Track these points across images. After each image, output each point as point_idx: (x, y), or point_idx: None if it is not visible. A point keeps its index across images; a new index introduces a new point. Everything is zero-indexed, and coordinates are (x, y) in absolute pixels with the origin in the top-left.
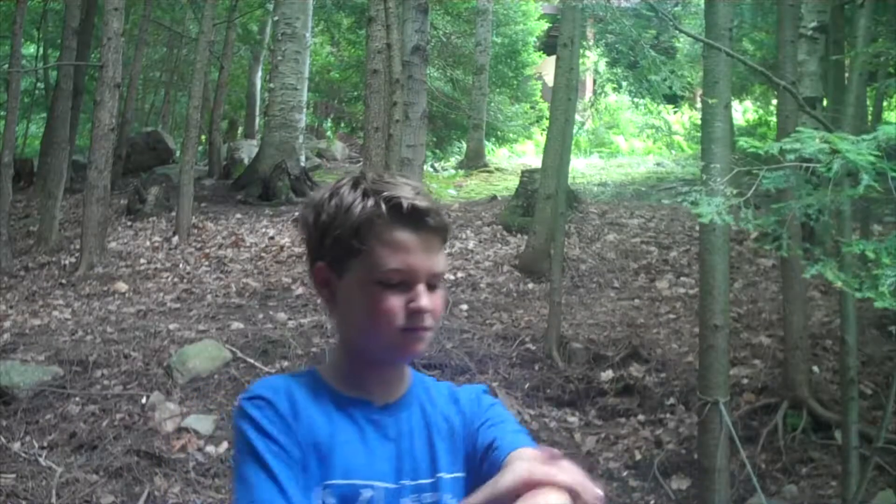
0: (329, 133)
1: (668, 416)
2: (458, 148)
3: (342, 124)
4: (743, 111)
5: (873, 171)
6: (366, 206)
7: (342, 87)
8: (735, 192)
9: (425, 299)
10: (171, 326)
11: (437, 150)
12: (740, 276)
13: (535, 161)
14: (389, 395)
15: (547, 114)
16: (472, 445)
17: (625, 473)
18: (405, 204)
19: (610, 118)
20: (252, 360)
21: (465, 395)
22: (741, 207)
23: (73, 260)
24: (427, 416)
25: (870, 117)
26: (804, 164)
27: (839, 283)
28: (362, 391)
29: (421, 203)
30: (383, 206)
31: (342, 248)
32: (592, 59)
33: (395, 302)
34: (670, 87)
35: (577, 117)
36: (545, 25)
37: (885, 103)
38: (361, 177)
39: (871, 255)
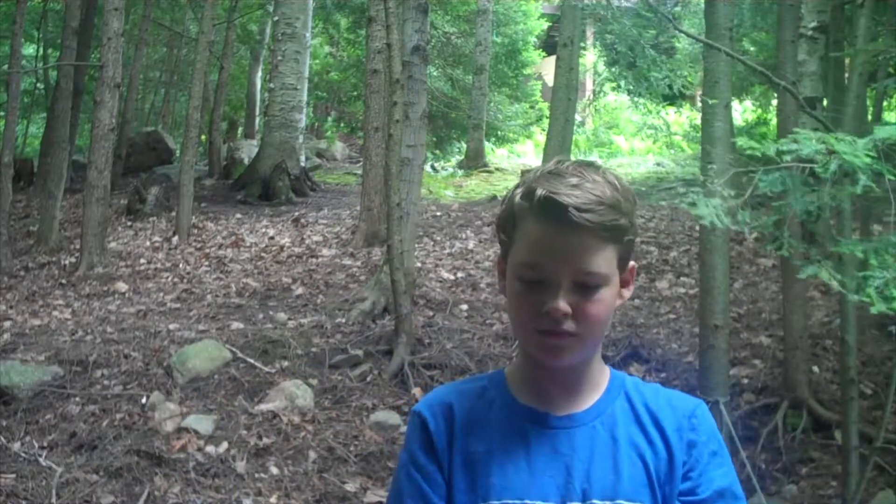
0: (329, 133)
1: None
2: (458, 148)
3: (342, 124)
4: (742, 111)
5: (870, 171)
6: (517, 197)
7: (342, 87)
8: (733, 193)
9: (560, 300)
10: (171, 326)
11: (438, 151)
12: (740, 276)
13: (535, 161)
14: (571, 403)
15: (547, 114)
16: (670, 483)
17: None
18: (538, 195)
19: (610, 118)
20: (252, 360)
21: (676, 416)
22: (738, 209)
23: (73, 260)
24: (617, 431)
25: (870, 117)
26: (801, 165)
27: (835, 284)
28: (538, 398)
29: (563, 196)
30: (527, 199)
31: (501, 241)
32: (591, 60)
33: (529, 299)
34: (670, 87)
35: (577, 117)
36: (545, 25)
37: (885, 103)
38: (548, 167)
39: (860, 256)
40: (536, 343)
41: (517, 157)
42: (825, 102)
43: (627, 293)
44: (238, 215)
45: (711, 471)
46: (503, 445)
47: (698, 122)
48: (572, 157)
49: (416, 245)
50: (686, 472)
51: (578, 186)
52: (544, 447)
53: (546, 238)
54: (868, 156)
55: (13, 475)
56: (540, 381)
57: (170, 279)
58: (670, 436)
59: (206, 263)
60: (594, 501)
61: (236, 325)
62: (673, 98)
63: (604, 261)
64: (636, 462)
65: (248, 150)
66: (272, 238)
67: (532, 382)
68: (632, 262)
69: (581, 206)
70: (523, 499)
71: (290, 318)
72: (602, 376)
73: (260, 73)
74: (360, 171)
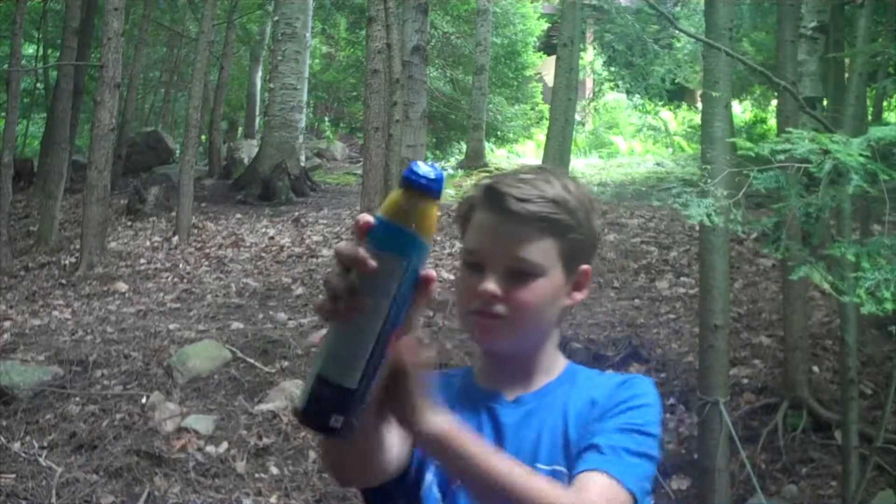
0: (329, 133)
1: (667, 416)
2: (458, 148)
3: (342, 125)
4: (742, 110)
5: (864, 171)
6: (471, 191)
7: (341, 86)
8: (727, 193)
9: (490, 282)
10: (171, 326)
11: (437, 151)
12: (740, 276)
13: (535, 161)
14: (520, 387)
15: (547, 115)
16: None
17: None
18: (483, 185)
19: (609, 118)
20: (252, 360)
21: (608, 386)
22: (731, 209)
23: (73, 260)
24: (555, 407)
25: (870, 117)
26: (796, 164)
27: (826, 286)
28: (493, 382)
29: (503, 187)
30: (477, 190)
31: (461, 234)
32: (589, 59)
33: (468, 283)
34: (673, 81)
35: (577, 117)
36: (545, 25)
37: (885, 103)
38: (513, 169)
39: (851, 258)
40: (470, 324)
41: (517, 158)
42: (825, 102)
43: (580, 296)
44: (238, 215)
45: (626, 414)
46: (462, 420)
47: (697, 122)
48: (572, 158)
49: None
50: (601, 421)
51: (527, 182)
52: (491, 423)
53: (486, 225)
54: (862, 155)
55: (13, 475)
56: (492, 367)
57: (170, 279)
58: (600, 401)
59: (206, 263)
60: None
61: (236, 324)
62: (674, 94)
63: (539, 251)
64: (558, 428)
65: (248, 150)
66: (272, 238)
67: (488, 369)
68: (586, 266)
69: (520, 196)
70: None
71: (290, 318)
72: (556, 366)
73: (260, 73)
74: (360, 171)
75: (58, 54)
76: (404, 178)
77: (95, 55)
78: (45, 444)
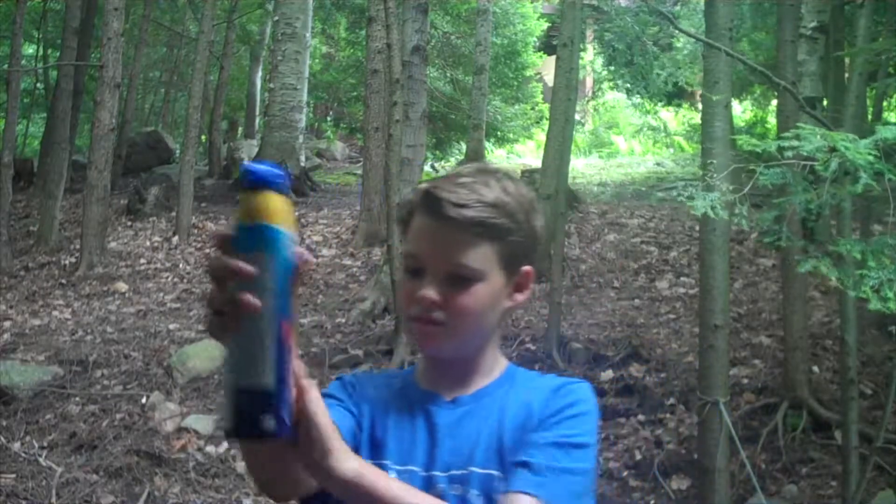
0: (329, 133)
1: (668, 416)
2: (458, 148)
3: (342, 125)
4: (742, 110)
5: (871, 170)
6: (409, 195)
7: (341, 87)
8: (732, 188)
9: (429, 289)
10: (171, 326)
11: (438, 151)
12: (740, 276)
13: (535, 161)
14: (459, 389)
15: (547, 115)
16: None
17: (625, 473)
18: (422, 190)
19: (609, 118)
20: None
21: (545, 391)
22: (736, 203)
23: (73, 260)
24: (492, 410)
25: (870, 117)
26: (802, 162)
27: (833, 279)
28: (433, 384)
29: (441, 192)
30: (416, 195)
31: (403, 238)
32: (589, 58)
33: (409, 288)
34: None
35: (577, 117)
36: (545, 25)
37: (885, 103)
38: (452, 171)
39: (857, 256)
40: (412, 330)
41: (517, 157)
42: (825, 102)
43: (522, 297)
44: None
45: (562, 426)
46: (397, 421)
47: (697, 121)
48: (572, 158)
49: None
50: (537, 430)
51: (465, 186)
52: (426, 423)
53: (425, 230)
54: (870, 154)
55: (13, 475)
56: (432, 369)
57: (170, 279)
58: (536, 406)
59: (206, 263)
60: (453, 472)
61: None
62: (673, 96)
63: (477, 256)
64: (494, 433)
65: (248, 149)
66: None
67: (428, 371)
68: (527, 267)
69: (457, 202)
70: (405, 464)
71: None
72: (495, 368)
73: (260, 73)
74: (360, 171)
75: (58, 54)
76: (239, 180)
77: (95, 55)
78: (45, 444)
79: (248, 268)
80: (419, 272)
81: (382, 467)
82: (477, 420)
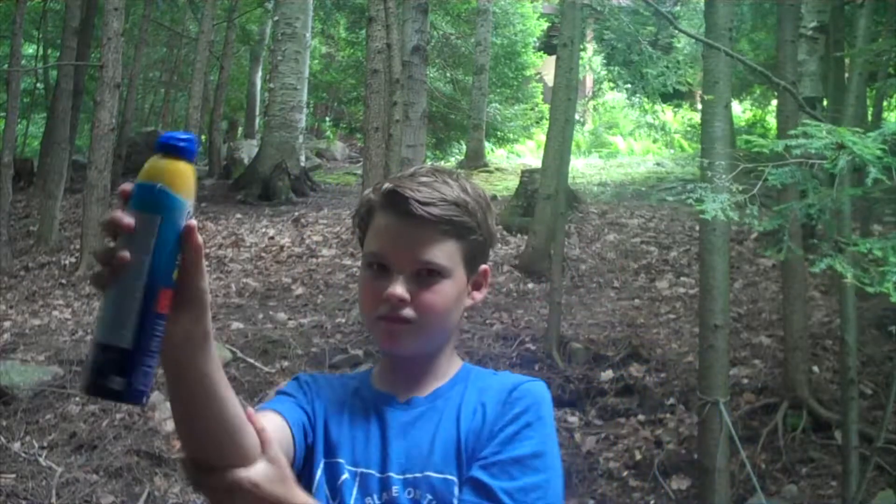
0: (329, 133)
1: (668, 415)
2: (458, 148)
3: (342, 125)
4: (742, 110)
5: (880, 165)
6: (370, 193)
7: (341, 87)
8: (740, 188)
9: (398, 287)
10: None
11: (437, 151)
12: (740, 275)
13: (535, 161)
14: (414, 390)
15: (547, 115)
16: (477, 451)
17: (625, 473)
18: (384, 188)
19: (609, 118)
20: (252, 360)
21: (500, 392)
22: (746, 204)
23: (73, 260)
24: (445, 411)
25: (870, 118)
26: (810, 161)
27: (849, 277)
28: (389, 385)
29: (406, 190)
30: (377, 193)
31: (358, 237)
32: (588, 56)
33: (373, 287)
34: (664, 84)
35: (577, 117)
36: (545, 25)
37: (885, 103)
38: (407, 171)
39: (878, 254)
40: (378, 330)
41: (517, 157)
42: (825, 102)
43: (479, 295)
44: (238, 215)
45: (517, 439)
46: (351, 421)
47: (697, 121)
48: (572, 158)
49: None
50: (493, 439)
51: (426, 184)
52: (382, 425)
53: (390, 229)
54: (879, 148)
55: (13, 475)
56: (389, 370)
57: None
58: (489, 410)
59: (206, 263)
60: (407, 475)
61: (236, 325)
62: (672, 96)
63: (443, 253)
64: (451, 437)
65: (248, 150)
66: (272, 238)
67: (385, 372)
68: (485, 265)
69: (423, 200)
70: (356, 465)
71: (290, 318)
72: (450, 368)
73: (260, 73)
74: (360, 171)
75: (58, 54)
76: (155, 143)
77: (95, 55)
78: (45, 444)
79: (128, 221)
80: (383, 270)
81: (337, 466)
82: (431, 422)
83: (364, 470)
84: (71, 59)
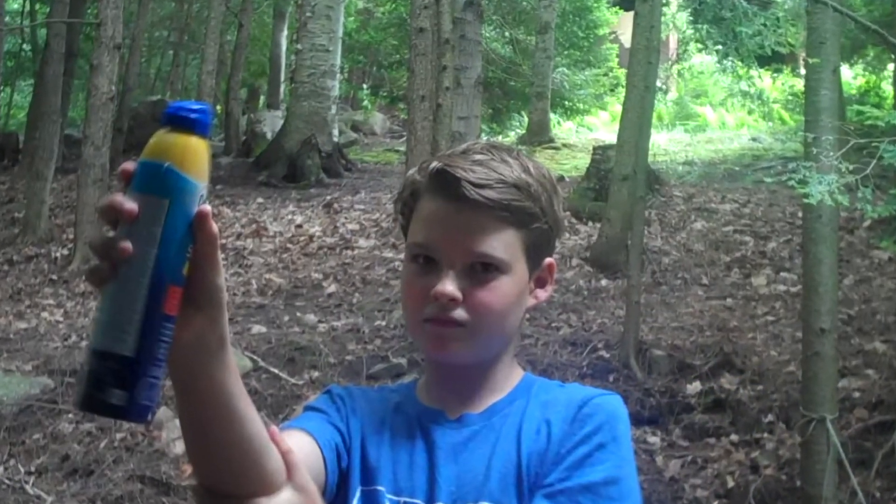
0: (367, 103)
1: (765, 435)
2: (519, 121)
3: (381, 93)
4: (853, 76)
5: None
6: (415, 174)
7: (381, 48)
8: (850, 167)
9: (448, 284)
10: None
11: (494, 123)
12: (851, 270)
13: (610, 136)
14: (467, 405)
15: (623, 81)
16: (543, 476)
17: (715, 503)
18: (432, 168)
19: (696, 85)
20: (276, 370)
21: (567, 408)
22: (858, 186)
23: (65, 252)
24: (504, 431)
25: None
26: None
27: None
28: (437, 399)
29: (458, 170)
30: (423, 174)
31: (401, 224)
32: (672, 12)
33: (419, 284)
34: (762, 45)
35: (658, 84)
36: None
37: None
38: (459, 147)
39: None
40: (424, 334)
41: (588, 132)
42: None
43: (544, 294)
44: (260, 199)
45: (588, 463)
46: (393, 441)
47: (800, 89)
48: (653, 132)
49: None
50: (559, 463)
51: (481, 163)
52: (429, 446)
53: (439, 215)
54: None
55: None
56: (437, 381)
57: None
58: (555, 428)
59: (223, 256)
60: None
61: (258, 328)
62: (768, 60)
63: (501, 244)
64: (511, 460)
65: (271, 122)
66: (300, 226)
67: (432, 384)
68: (550, 259)
69: (477, 182)
70: (399, 493)
71: (320, 321)
72: (509, 380)
73: (285, 33)
74: (403, 148)
75: (47, 10)
76: (162, 114)
77: (92, 11)
78: (33, 468)
79: (130, 206)
80: (431, 264)
81: (376, 495)
82: (487, 443)
83: (408, 499)
84: (63, 16)
